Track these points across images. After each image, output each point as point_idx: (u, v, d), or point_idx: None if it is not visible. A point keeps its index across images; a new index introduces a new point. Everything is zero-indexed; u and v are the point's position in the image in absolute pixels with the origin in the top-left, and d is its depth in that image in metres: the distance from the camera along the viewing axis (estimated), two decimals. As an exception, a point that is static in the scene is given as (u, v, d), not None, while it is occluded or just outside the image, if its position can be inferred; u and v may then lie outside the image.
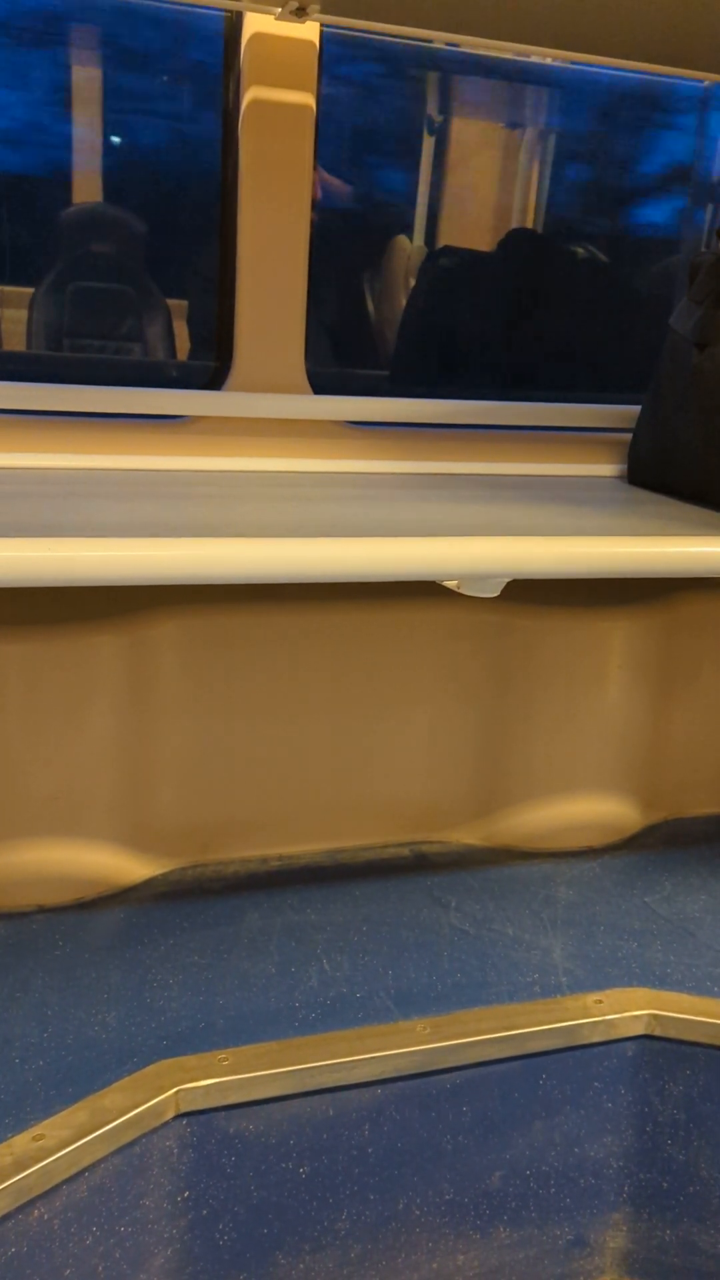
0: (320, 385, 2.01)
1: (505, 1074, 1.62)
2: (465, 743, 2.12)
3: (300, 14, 1.68)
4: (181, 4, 1.84)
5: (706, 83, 2.85)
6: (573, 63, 2.03)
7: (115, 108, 2.85)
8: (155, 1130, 1.44)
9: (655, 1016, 1.67)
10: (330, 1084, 1.52)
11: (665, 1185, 1.74)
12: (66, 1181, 1.36)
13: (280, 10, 1.70)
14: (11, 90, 2.75)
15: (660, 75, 2.18)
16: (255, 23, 1.78)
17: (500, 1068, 1.61)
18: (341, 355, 3.01)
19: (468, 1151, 1.63)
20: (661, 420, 2.00)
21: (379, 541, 1.39)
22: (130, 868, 1.95)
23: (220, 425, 1.94)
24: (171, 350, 2.80)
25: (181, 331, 2.82)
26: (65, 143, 2.84)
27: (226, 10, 1.81)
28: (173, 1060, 1.50)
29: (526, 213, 3.29)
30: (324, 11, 1.69)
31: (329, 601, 1.96)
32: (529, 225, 3.29)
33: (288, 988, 1.69)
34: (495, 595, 1.55)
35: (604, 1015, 1.65)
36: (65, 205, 2.89)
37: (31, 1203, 1.33)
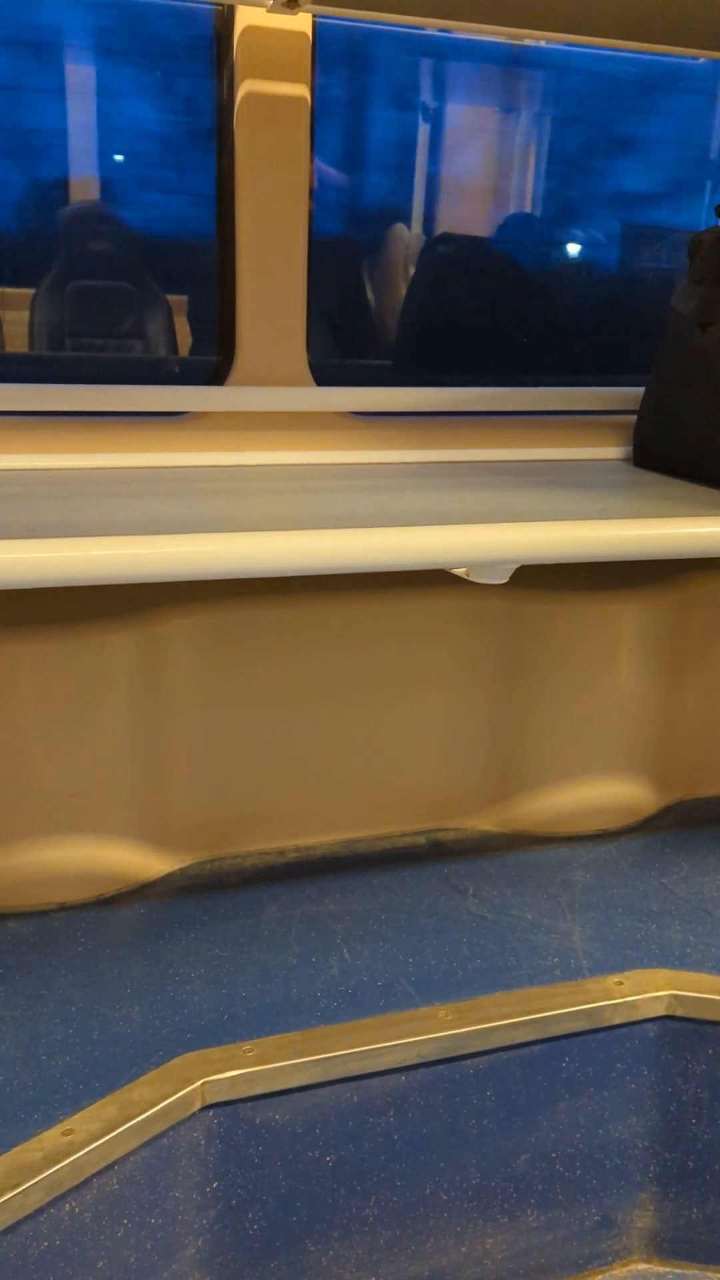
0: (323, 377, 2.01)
1: (528, 1057, 1.62)
2: (479, 729, 2.12)
3: (292, 5, 1.68)
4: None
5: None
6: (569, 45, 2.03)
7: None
8: (183, 1122, 1.45)
9: (676, 997, 1.67)
10: (354, 1072, 1.53)
11: (691, 1164, 1.75)
12: (97, 1175, 1.37)
13: (272, 2, 1.69)
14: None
15: (658, 55, 2.17)
16: (247, 15, 1.78)
17: (523, 1051, 1.62)
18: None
19: (493, 1135, 1.64)
20: (665, 401, 2.00)
21: (384, 531, 1.40)
22: (149, 863, 1.96)
23: (224, 420, 1.95)
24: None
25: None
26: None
27: (218, 4, 1.81)
28: (198, 1053, 1.52)
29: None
30: (316, 2, 1.68)
31: (339, 593, 1.96)
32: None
33: (309, 978, 1.69)
34: (503, 582, 1.55)
35: (625, 997, 1.66)
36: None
37: (63, 1196, 1.34)
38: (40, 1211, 1.32)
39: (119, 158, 2.84)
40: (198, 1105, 1.46)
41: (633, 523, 1.54)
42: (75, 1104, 1.42)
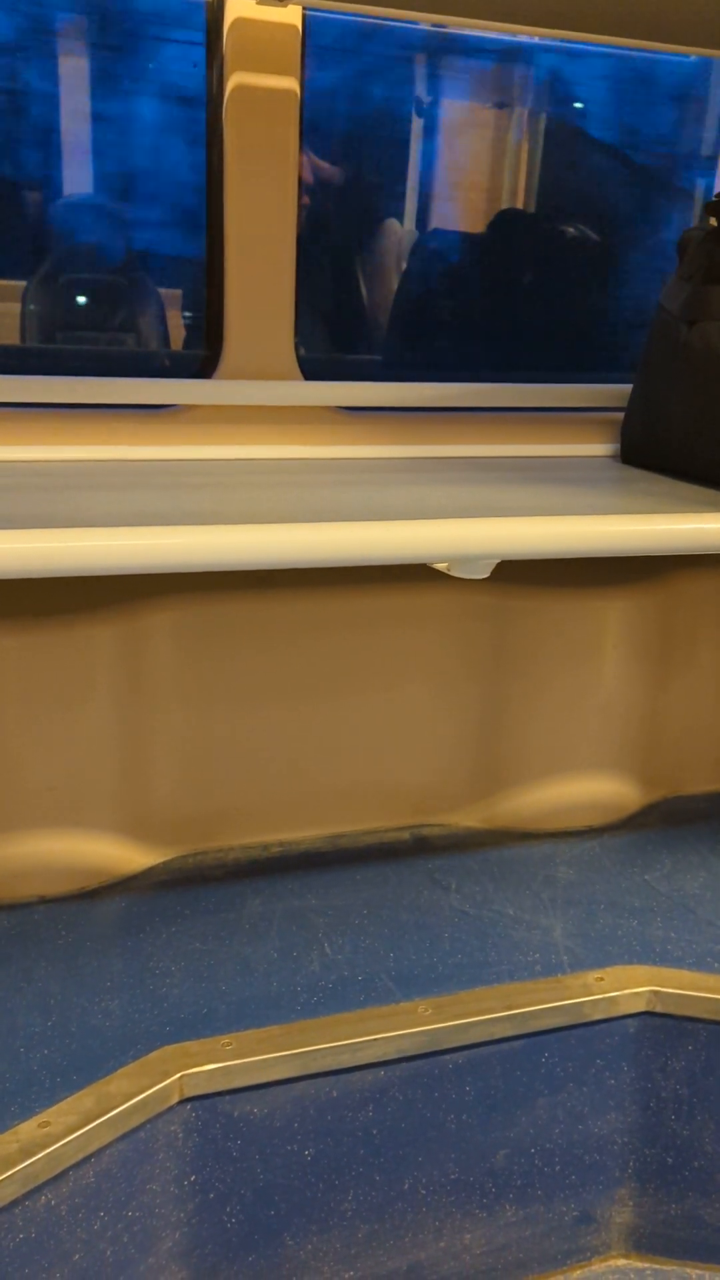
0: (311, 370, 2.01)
1: (508, 1053, 1.62)
2: (463, 725, 2.12)
3: (281, -2, 1.68)
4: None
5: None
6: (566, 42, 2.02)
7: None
8: (160, 1115, 1.45)
9: (656, 993, 1.67)
10: (334, 1066, 1.53)
11: (670, 1160, 1.75)
12: (73, 1167, 1.37)
13: None
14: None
15: (656, 53, 2.17)
16: (237, 7, 1.77)
17: (502, 1047, 1.62)
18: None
19: (472, 1130, 1.64)
20: (652, 398, 2.00)
21: (363, 525, 1.39)
22: (131, 857, 1.95)
23: (211, 413, 1.94)
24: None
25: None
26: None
27: None
28: (176, 1046, 1.51)
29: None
30: None
31: (323, 587, 1.96)
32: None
33: (289, 972, 1.69)
34: (485, 577, 1.55)
35: (605, 993, 1.66)
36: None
37: (39, 1189, 1.34)
38: (15, 1204, 1.32)
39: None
40: (175, 1098, 1.46)
41: (614, 519, 1.54)
42: (52, 1096, 1.42)
